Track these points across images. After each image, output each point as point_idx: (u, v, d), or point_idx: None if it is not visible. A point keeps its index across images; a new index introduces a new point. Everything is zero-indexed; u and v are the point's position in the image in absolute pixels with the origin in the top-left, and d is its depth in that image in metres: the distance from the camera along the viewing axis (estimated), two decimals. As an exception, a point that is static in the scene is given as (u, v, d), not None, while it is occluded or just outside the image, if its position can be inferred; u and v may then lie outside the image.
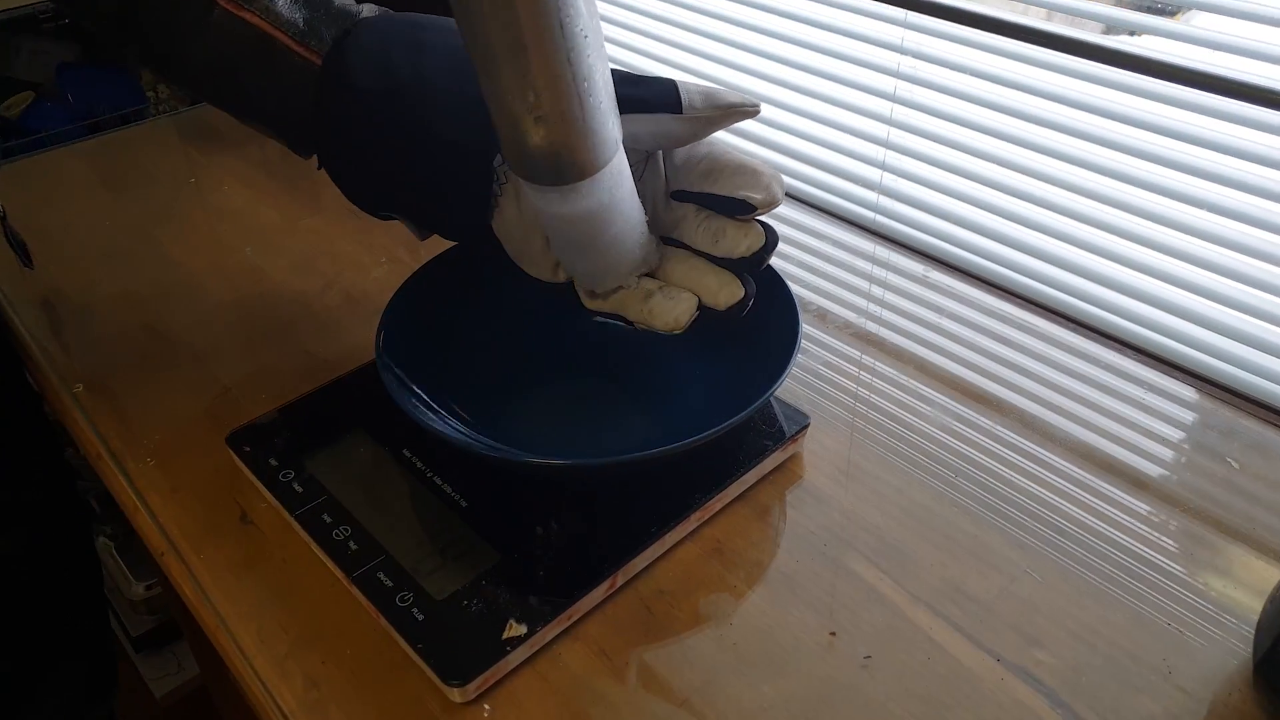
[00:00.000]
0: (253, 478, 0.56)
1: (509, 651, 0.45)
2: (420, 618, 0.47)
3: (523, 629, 0.46)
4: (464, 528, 0.51)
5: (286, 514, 0.53)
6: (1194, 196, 0.65)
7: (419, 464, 0.55)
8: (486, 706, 0.45)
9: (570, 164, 0.45)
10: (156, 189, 0.89)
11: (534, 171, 0.46)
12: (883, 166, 0.84)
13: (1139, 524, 0.54)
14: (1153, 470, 0.57)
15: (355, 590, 0.49)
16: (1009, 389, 0.63)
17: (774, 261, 0.54)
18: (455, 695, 0.45)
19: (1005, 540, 0.53)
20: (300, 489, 0.54)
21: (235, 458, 0.57)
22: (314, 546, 0.52)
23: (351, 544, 0.51)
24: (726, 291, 0.51)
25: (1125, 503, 0.55)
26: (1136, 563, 0.52)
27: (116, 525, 1.47)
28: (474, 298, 0.65)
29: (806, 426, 0.57)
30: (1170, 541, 0.53)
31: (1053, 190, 0.72)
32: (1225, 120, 0.62)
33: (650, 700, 0.45)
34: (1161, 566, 0.51)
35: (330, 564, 0.50)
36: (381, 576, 0.49)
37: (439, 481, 0.54)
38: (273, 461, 0.56)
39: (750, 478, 0.55)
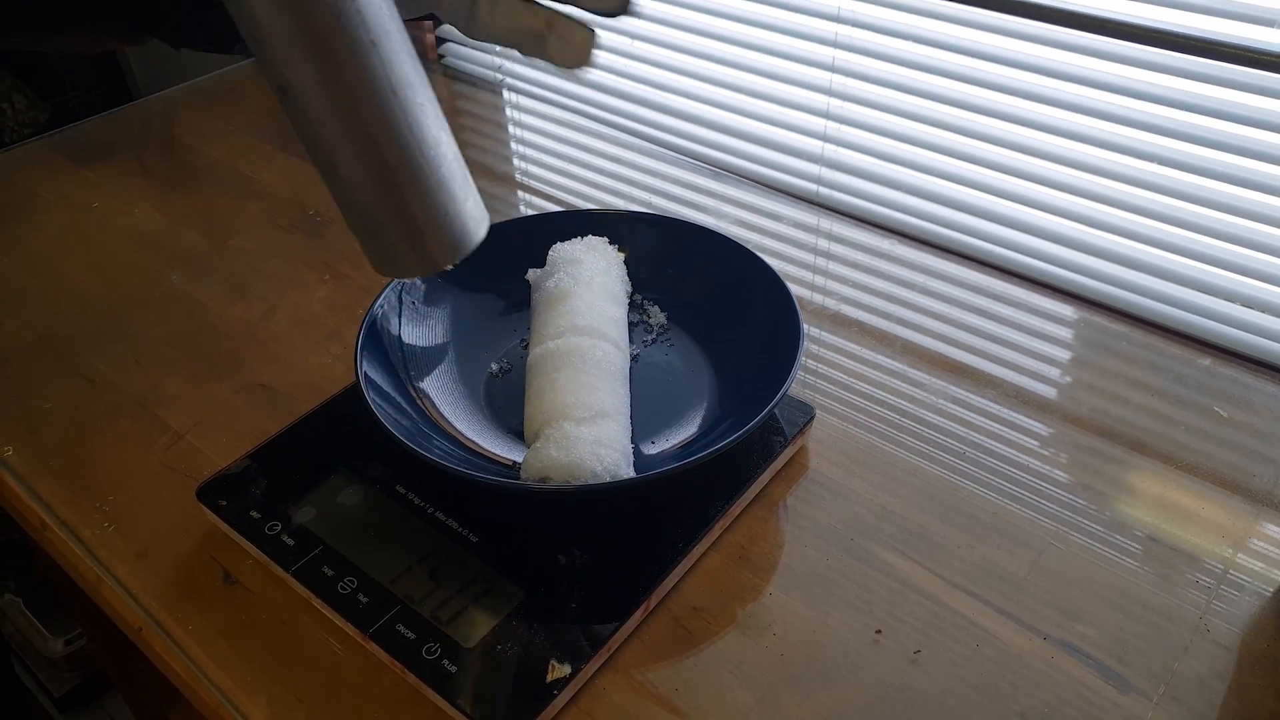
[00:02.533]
0: (233, 534, 0.51)
1: (555, 695, 0.42)
2: (453, 669, 0.43)
3: (566, 669, 0.43)
4: (480, 565, 0.48)
5: (280, 570, 0.49)
6: (1148, 151, 0.66)
7: (416, 500, 0.52)
8: (535, 755, 0.42)
9: None
10: (54, 216, 0.81)
11: None
12: (824, 138, 0.83)
13: (1151, 486, 0.55)
14: (1154, 429, 0.58)
15: (374, 647, 0.45)
16: (992, 361, 0.64)
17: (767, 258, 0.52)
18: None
19: (1024, 513, 0.53)
20: (292, 541, 0.49)
21: (210, 514, 0.52)
22: (317, 603, 0.48)
23: (361, 596, 0.47)
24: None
25: (1133, 465, 0.56)
26: (1154, 524, 0.52)
27: (21, 579, 1.36)
28: (456, 311, 0.61)
29: (812, 419, 0.56)
30: (1184, 500, 0.54)
31: (1006, 153, 0.72)
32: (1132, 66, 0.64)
33: (707, 725, 0.43)
34: (1179, 526, 0.52)
35: (340, 621, 0.47)
36: (402, 629, 0.45)
37: (442, 517, 0.51)
38: (254, 514, 0.51)
39: (765, 477, 0.53)
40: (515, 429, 0.54)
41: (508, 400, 0.56)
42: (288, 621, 0.49)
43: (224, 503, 0.52)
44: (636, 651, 0.46)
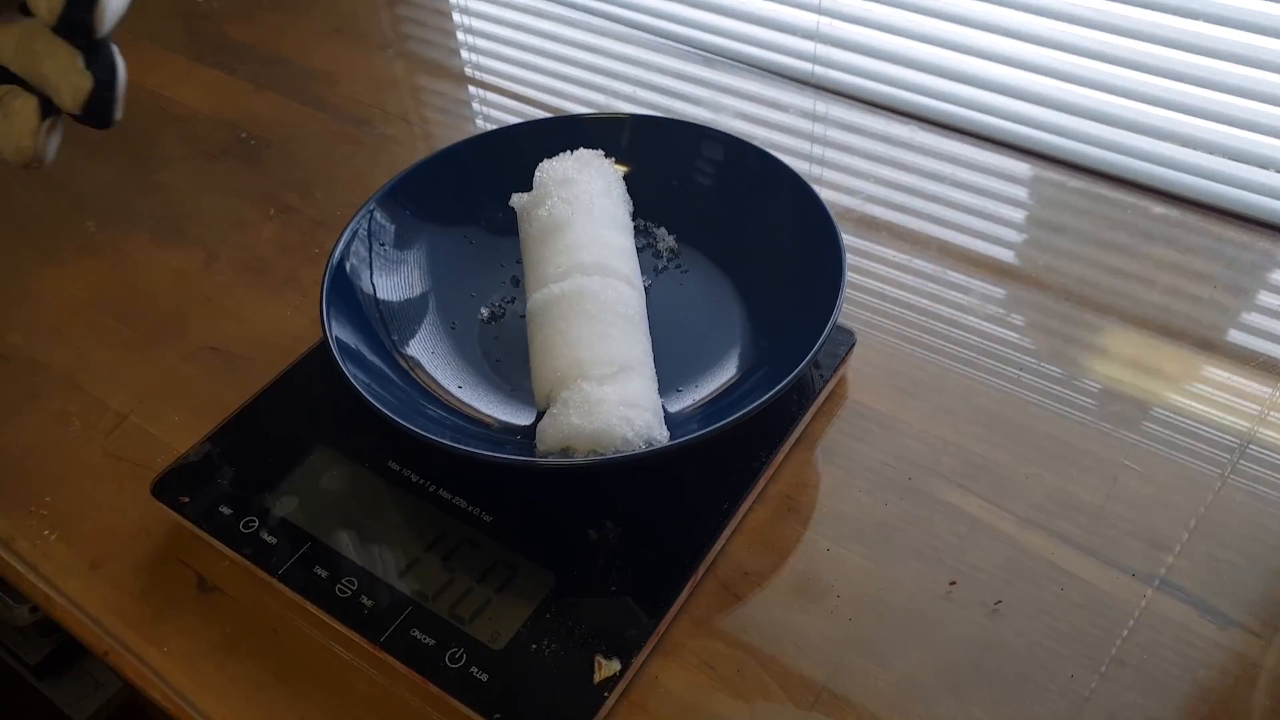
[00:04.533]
0: (203, 534, 0.44)
1: (606, 697, 0.37)
2: (483, 677, 0.38)
3: (615, 665, 0.38)
4: (499, 549, 0.42)
5: (263, 574, 0.42)
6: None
7: (414, 477, 0.45)
8: (588, 763, 0.37)
9: None
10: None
11: None
12: (819, 10, 0.75)
13: (1239, 394, 0.50)
14: (1224, 324, 0.53)
15: (387, 656, 0.39)
16: (1039, 257, 0.58)
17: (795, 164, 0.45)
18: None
19: (1092, 435, 0.48)
20: (273, 539, 0.43)
21: (172, 513, 0.45)
22: (314, 609, 0.41)
23: (364, 599, 0.40)
24: (69, 84, 0.34)
25: (1217, 372, 0.51)
26: (1248, 432, 0.48)
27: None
28: (433, 251, 0.53)
29: (853, 345, 0.49)
30: (1260, 408, 0.49)
31: (1030, 19, 0.65)
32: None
33: (776, 709, 0.38)
34: (1259, 433, 0.48)
35: (344, 629, 0.40)
36: (417, 634, 0.39)
37: (447, 495, 0.44)
38: (225, 510, 0.44)
39: (806, 417, 0.47)
40: (520, 386, 0.47)
41: (507, 352, 0.49)
42: (281, 629, 0.42)
43: (186, 499, 0.44)
44: (685, 628, 0.41)
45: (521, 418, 0.45)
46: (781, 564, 0.43)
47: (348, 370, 0.43)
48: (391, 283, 0.50)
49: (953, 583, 0.42)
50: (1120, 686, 0.39)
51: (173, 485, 0.45)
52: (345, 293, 0.48)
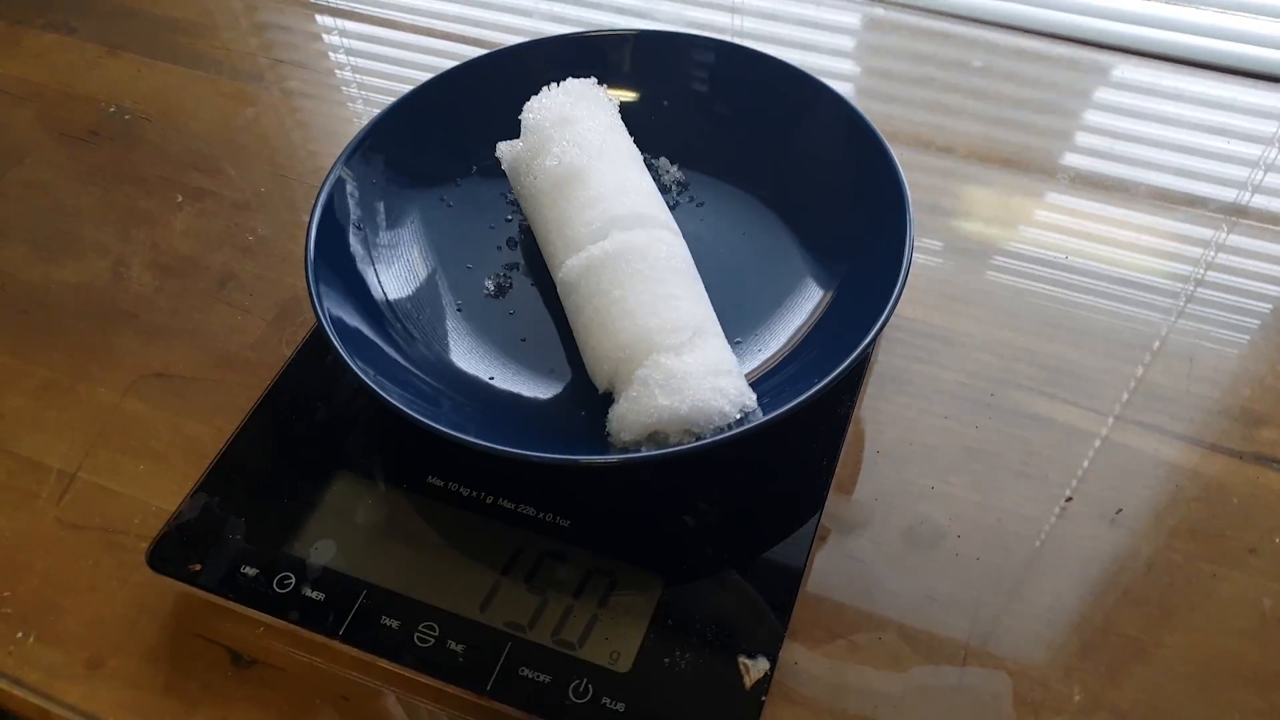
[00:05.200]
0: (229, 604, 0.37)
1: (764, 702, 0.33)
2: (619, 708, 0.33)
3: (763, 664, 0.34)
4: (589, 557, 0.37)
5: (318, 637, 0.36)
6: None
7: (465, 491, 0.39)
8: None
9: None
10: None
11: None
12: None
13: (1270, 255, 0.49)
14: (1255, 184, 0.52)
15: (498, 705, 0.34)
16: (1058, 144, 0.55)
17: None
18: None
19: (1158, 316, 0.46)
20: (319, 594, 0.36)
21: (180, 585, 0.37)
22: (392, 667, 0.35)
23: (452, 643, 0.35)
24: None
25: (1255, 241, 0.49)
26: None
27: None
28: (417, 219, 0.45)
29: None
30: (1283, 254, 0.48)
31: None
32: None
33: (930, 673, 0.36)
34: (1294, 285, 0.47)
35: (437, 684, 0.35)
36: (527, 673, 0.34)
37: (509, 505, 0.38)
38: (249, 570, 0.37)
39: (875, 347, 0.43)
40: (559, 367, 0.41)
41: (532, 329, 0.42)
42: (353, 695, 0.36)
43: (197, 566, 0.37)
44: (809, 605, 0.37)
45: (572, 404, 0.40)
46: (888, 514, 0.40)
47: (370, 380, 0.36)
48: (379, 268, 0.43)
49: (1068, 499, 0.40)
50: (1263, 577, 0.37)
51: (174, 552, 0.37)
52: (336, 287, 0.40)
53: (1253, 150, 0.53)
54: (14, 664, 0.37)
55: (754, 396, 0.36)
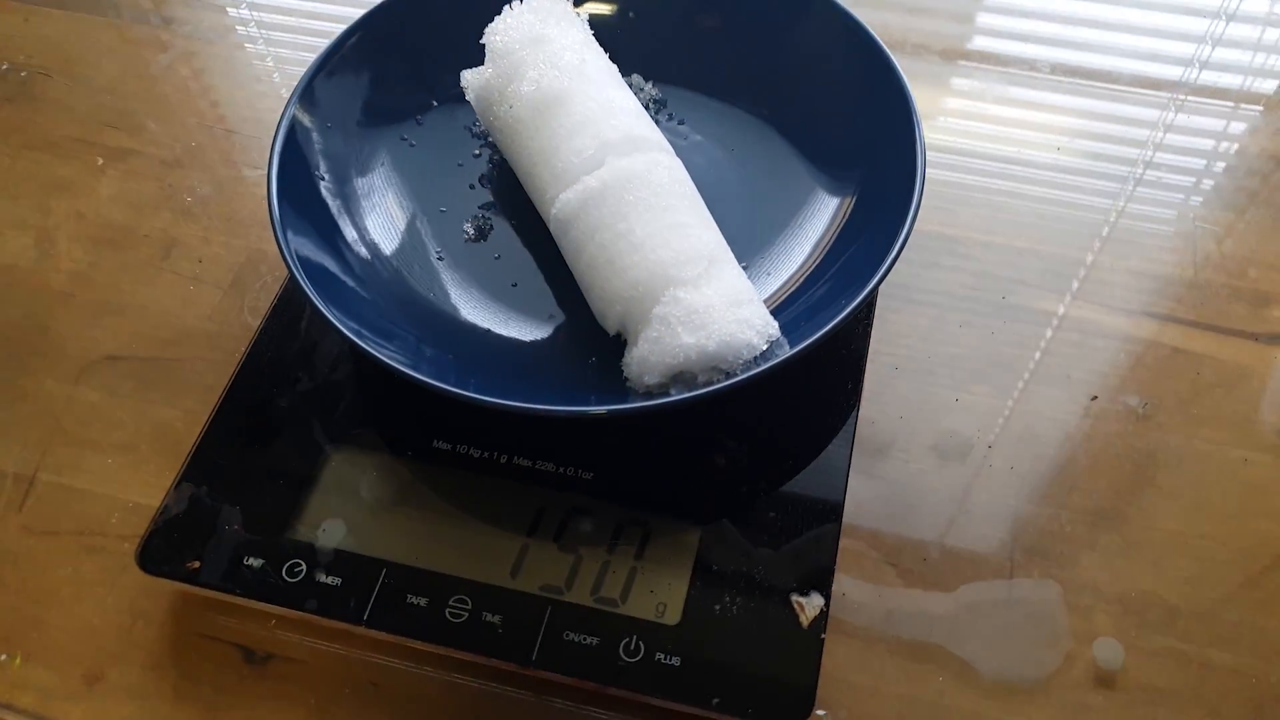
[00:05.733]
0: (236, 600, 0.34)
1: (823, 639, 0.32)
2: (675, 662, 0.31)
3: (818, 600, 0.32)
4: (617, 509, 0.35)
5: (341, 624, 0.33)
6: None
7: (475, 452, 0.36)
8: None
9: None
10: None
11: None
12: None
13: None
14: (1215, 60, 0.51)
15: (546, 674, 0.32)
16: (986, 36, 0.53)
17: None
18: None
19: (1151, 203, 0.45)
20: (335, 579, 0.33)
21: (176, 585, 0.34)
22: (425, 647, 0.33)
23: (487, 614, 0.32)
24: None
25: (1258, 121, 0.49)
26: None
27: None
28: (381, 162, 0.42)
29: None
30: None
31: None
32: None
33: (981, 589, 0.35)
34: (1283, 159, 0.46)
35: (476, 658, 0.33)
36: (572, 637, 0.32)
37: (525, 462, 0.36)
38: (254, 562, 0.34)
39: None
40: (557, 311, 0.38)
41: (522, 273, 0.39)
42: (382, 681, 0.34)
43: (196, 563, 0.34)
44: (849, 534, 0.36)
45: (579, 350, 0.37)
46: (915, 432, 0.38)
47: (367, 343, 0.33)
48: (348, 220, 0.39)
49: (1093, 398, 0.39)
50: (1290, 456, 0.37)
51: (166, 551, 0.34)
52: (307, 245, 0.36)
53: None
54: (3, 689, 0.34)
55: (776, 325, 0.34)
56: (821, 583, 0.33)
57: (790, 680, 0.31)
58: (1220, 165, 0.46)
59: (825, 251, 0.37)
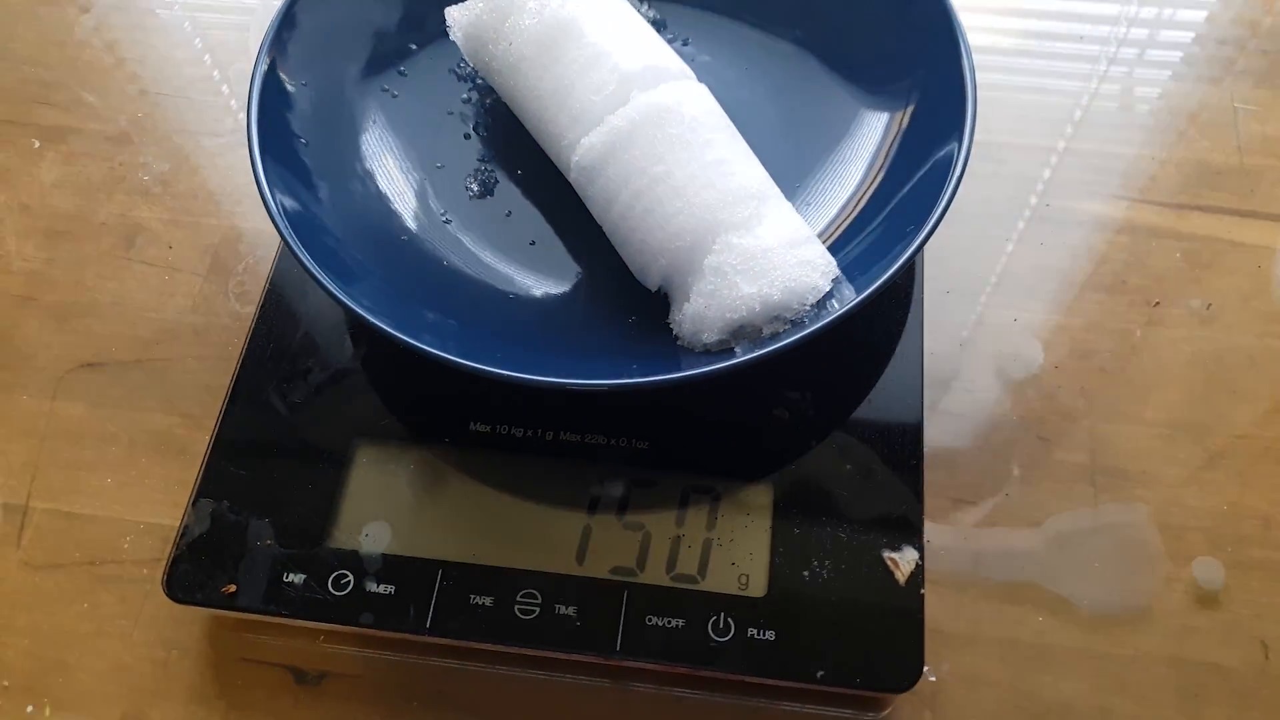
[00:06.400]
0: (281, 621, 0.31)
1: (924, 595, 0.30)
2: (770, 636, 0.29)
3: (912, 555, 0.30)
4: (681, 477, 0.32)
5: (399, 635, 0.31)
6: None
7: (519, 431, 0.33)
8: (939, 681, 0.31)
9: None
10: None
11: None
12: None
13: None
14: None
15: (636, 663, 0.30)
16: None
17: None
18: (904, 701, 0.30)
19: (1188, 89, 0.42)
20: (387, 587, 0.31)
21: (209, 611, 0.31)
22: (496, 648, 0.31)
23: (560, 607, 0.30)
24: None
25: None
26: (1295, 37, 0.44)
27: None
28: (365, 119, 0.37)
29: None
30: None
31: None
32: None
33: (1068, 518, 0.33)
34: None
35: (556, 654, 0.30)
36: (655, 621, 0.30)
37: (574, 437, 0.33)
38: (295, 578, 0.31)
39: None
40: (578, 269, 0.35)
41: (539, 230, 0.36)
42: (447, 687, 0.31)
43: (231, 586, 0.31)
44: (928, 478, 0.34)
45: (616, 310, 0.34)
46: (977, 359, 0.36)
47: (388, 326, 0.29)
48: (342, 188, 0.35)
49: (1155, 304, 0.37)
50: (1362, 344, 0.36)
51: (195, 576, 0.31)
52: (304, 221, 0.32)
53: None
54: (37, 744, 0.31)
55: (834, 260, 0.31)
56: (912, 534, 0.31)
57: (895, 643, 0.29)
58: (1255, 43, 0.44)
59: (880, 178, 0.34)
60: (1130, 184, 0.40)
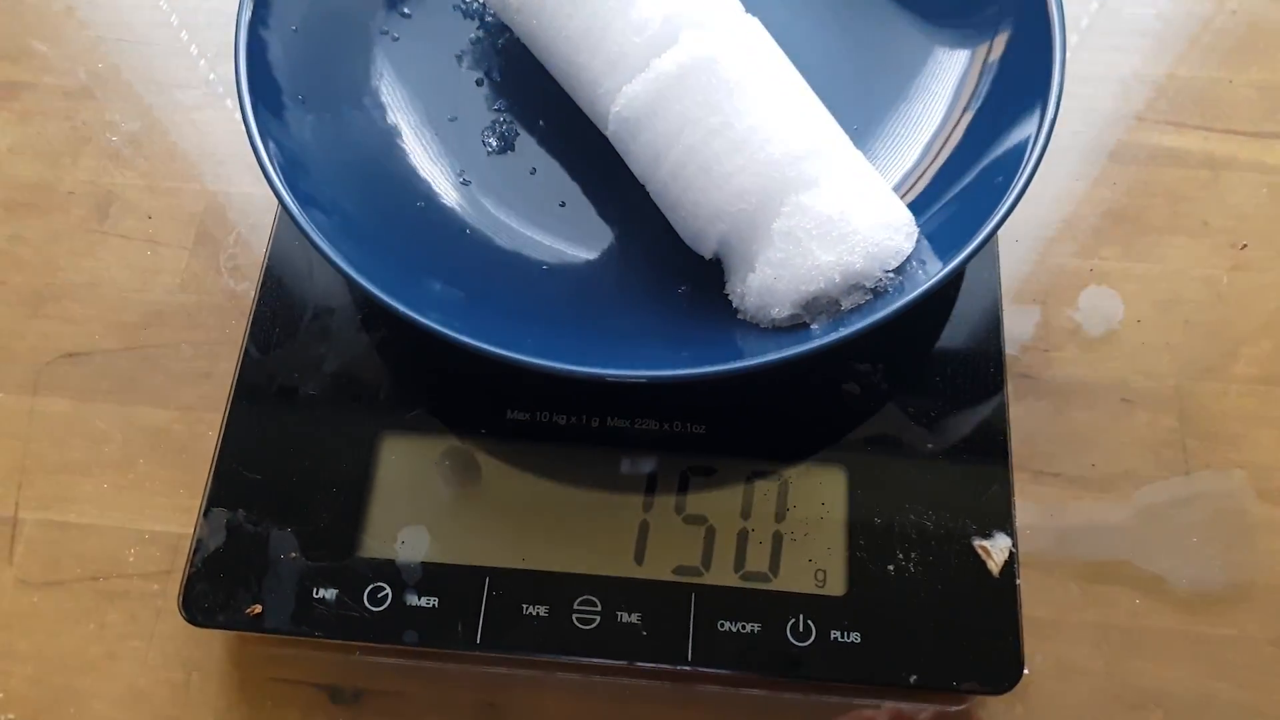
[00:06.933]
0: (316, 640, 0.28)
1: (1019, 584, 0.28)
2: (854, 639, 0.27)
3: (1005, 543, 0.28)
4: (744, 463, 0.29)
5: (449, 650, 0.28)
6: None
7: (561, 419, 0.30)
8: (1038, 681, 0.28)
9: None
10: None
11: None
12: None
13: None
14: None
15: (712, 671, 0.27)
16: None
17: None
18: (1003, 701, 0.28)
19: (1262, 8, 0.39)
20: (430, 600, 0.28)
21: (235, 634, 0.28)
22: (551, 660, 0.28)
23: (622, 614, 0.27)
24: None
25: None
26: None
27: None
28: (365, 69, 0.33)
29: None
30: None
31: None
32: None
33: (1158, 488, 0.31)
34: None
35: (618, 663, 0.28)
36: (728, 626, 0.27)
37: (623, 423, 0.30)
38: (325, 594, 0.28)
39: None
40: (616, 236, 0.31)
41: (567, 190, 0.32)
42: (498, 699, 0.29)
43: (257, 608, 0.28)
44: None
45: (663, 279, 0.30)
46: (1052, 315, 0.33)
47: (414, 312, 0.26)
48: (345, 148, 0.31)
49: (1242, 246, 0.34)
50: None
51: (214, 596, 0.28)
52: (306, 188, 0.28)
53: None
54: (52, 782, 0.29)
55: (914, 218, 0.28)
56: (1003, 518, 0.28)
57: (992, 640, 0.27)
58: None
59: (963, 122, 0.30)
60: (1210, 112, 0.36)
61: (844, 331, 0.25)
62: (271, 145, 0.28)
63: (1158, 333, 0.33)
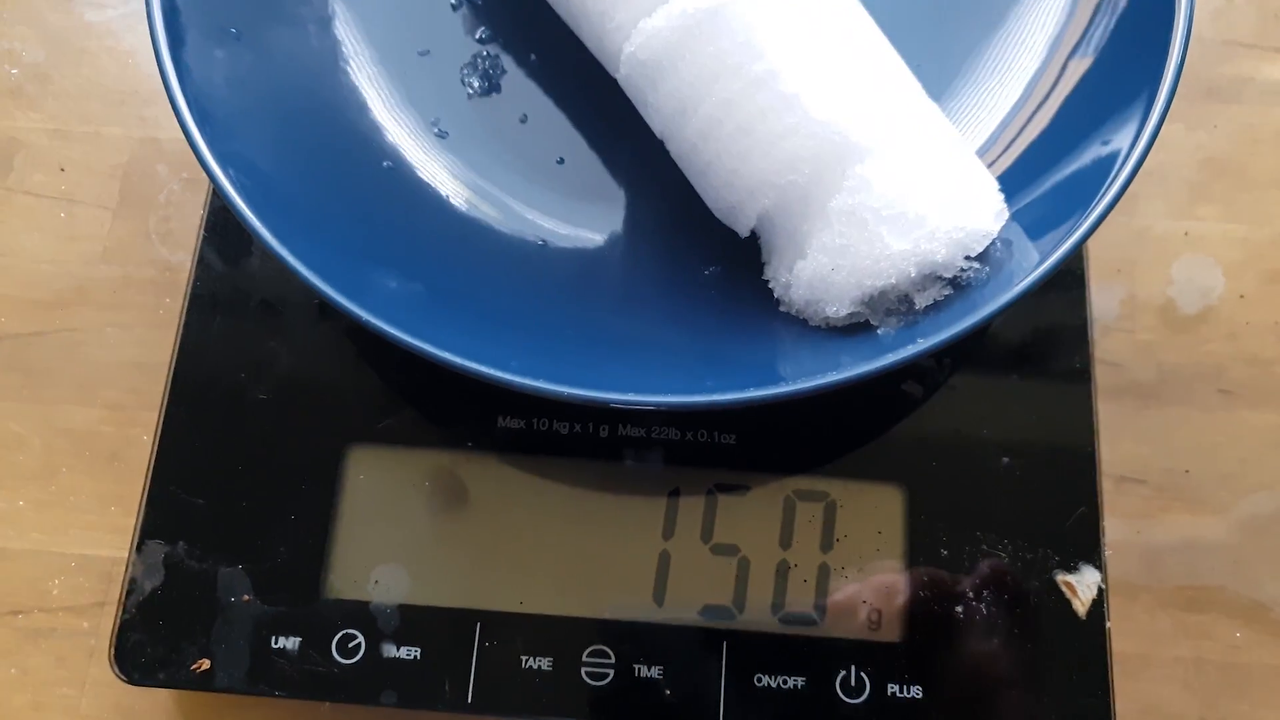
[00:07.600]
0: (276, 700, 0.24)
1: (1109, 626, 0.23)
2: (916, 694, 0.23)
3: (1092, 577, 0.24)
4: (779, 478, 0.25)
5: (438, 710, 0.23)
6: None
7: (563, 427, 0.25)
8: None
9: None
10: None
11: None
12: None
13: None
14: None
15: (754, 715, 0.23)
16: None
17: None
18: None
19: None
20: (410, 651, 0.23)
21: (179, 693, 0.24)
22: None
23: (640, 669, 0.23)
24: None
25: None
26: None
27: None
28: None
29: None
30: None
31: None
32: None
33: (1269, 499, 0.26)
34: None
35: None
36: (767, 682, 0.23)
37: (638, 432, 0.25)
38: (286, 644, 0.23)
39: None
40: (627, 201, 0.26)
41: (567, 143, 0.26)
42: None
43: (205, 663, 0.23)
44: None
45: (687, 260, 0.25)
46: (1140, 288, 0.28)
47: (376, 318, 0.20)
48: (289, 92, 0.25)
49: (1358, 204, 0.29)
50: None
51: (152, 647, 0.23)
52: (240, 148, 0.23)
53: None
54: None
55: (1002, 194, 0.22)
56: (1090, 549, 0.24)
57: (1078, 694, 0.23)
58: None
59: (1063, 73, 0.24)
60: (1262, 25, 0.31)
61: (925, 344, 0.20)
62: (191, 89, 0.23)
63: (1264, 310, 0.28)
